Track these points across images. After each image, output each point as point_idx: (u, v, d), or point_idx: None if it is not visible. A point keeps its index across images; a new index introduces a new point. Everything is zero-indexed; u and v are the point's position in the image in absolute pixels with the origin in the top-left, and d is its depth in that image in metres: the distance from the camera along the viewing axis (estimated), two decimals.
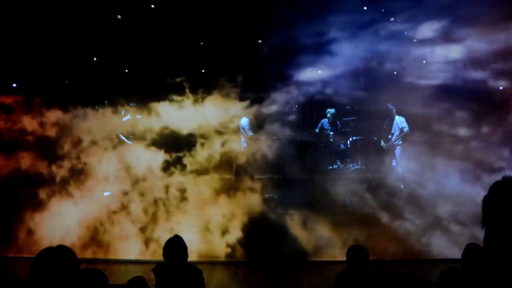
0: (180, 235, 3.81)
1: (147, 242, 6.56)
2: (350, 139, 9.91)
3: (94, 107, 6.88)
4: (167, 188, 6.83)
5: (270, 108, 8.46)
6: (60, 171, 6.30)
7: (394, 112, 8.86)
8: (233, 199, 7.00)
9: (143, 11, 7.72)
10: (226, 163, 7.84)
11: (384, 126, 9.08)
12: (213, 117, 7.42)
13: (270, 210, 7.53)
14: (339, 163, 9.70)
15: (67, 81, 6.78)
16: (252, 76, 8.05)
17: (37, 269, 2.15)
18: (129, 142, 8.30)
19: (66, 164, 6.33)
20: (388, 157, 8.87)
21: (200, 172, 7.15)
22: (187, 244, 3.84)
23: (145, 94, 7.39)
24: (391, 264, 6.44)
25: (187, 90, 7.37)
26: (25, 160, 5.85)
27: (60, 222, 6.15)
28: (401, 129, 8.77)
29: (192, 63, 8.19)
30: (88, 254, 6.33)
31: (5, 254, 6.10)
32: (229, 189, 7.27)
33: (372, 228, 6.99)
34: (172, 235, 3.89)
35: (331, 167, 9.55)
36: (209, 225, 6.72)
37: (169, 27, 7.84)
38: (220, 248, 6.75)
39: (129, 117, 8.53)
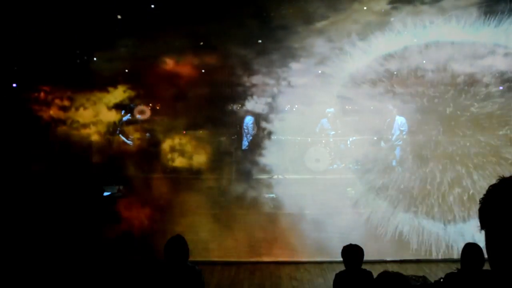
0: None
1: None
2: (350, 139, 9.88)
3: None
4: None
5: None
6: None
7: (394, 112, 8.83)
8: None
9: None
10: None
11: (385, 127, 9.05)
12: None
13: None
14: (339, 162, 9.68)
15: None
16: None
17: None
18: (129, 142, 8.28)
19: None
20: (388, 157, 8.84)
21: None
22: None
23: None
24: (391, 264, 6.45)
25: None
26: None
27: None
28: (401, 131, 8.74)
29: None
30: None
31: None
32: None
33: None
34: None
35: (331, 167, 9.54)
36: None
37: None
38: None
39: (128, 116, 8.52)
